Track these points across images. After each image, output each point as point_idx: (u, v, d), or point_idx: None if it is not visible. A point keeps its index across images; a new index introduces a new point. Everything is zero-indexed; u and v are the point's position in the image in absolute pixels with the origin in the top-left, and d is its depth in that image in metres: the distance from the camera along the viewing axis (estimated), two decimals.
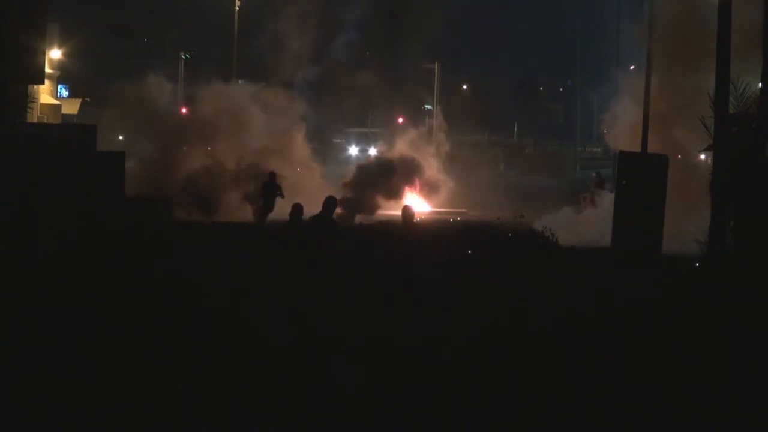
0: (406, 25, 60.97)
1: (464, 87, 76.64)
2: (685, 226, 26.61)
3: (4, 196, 26.05)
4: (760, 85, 23.59)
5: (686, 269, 23.92)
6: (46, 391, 11.68)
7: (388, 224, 34.83)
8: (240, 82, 44.09)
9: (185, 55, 56.28)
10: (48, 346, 13.79)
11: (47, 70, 39.76)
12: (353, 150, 70.23)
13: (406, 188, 39.95)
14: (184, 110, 44.09)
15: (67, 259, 21.76)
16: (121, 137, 42.73)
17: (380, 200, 39.46)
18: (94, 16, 55.87)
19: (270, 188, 33.10)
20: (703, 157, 28.38)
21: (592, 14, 66.54)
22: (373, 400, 11.82)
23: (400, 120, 47.14)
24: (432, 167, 41.54)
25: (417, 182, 40.16)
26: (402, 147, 41.33)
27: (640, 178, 27.36)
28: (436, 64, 58.88)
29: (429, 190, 40.37)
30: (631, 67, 43.81)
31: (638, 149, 31.43)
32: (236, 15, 55.43)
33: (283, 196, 31.83)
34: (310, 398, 11.77)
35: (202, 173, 36.45)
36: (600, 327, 16.64)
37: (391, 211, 38.83)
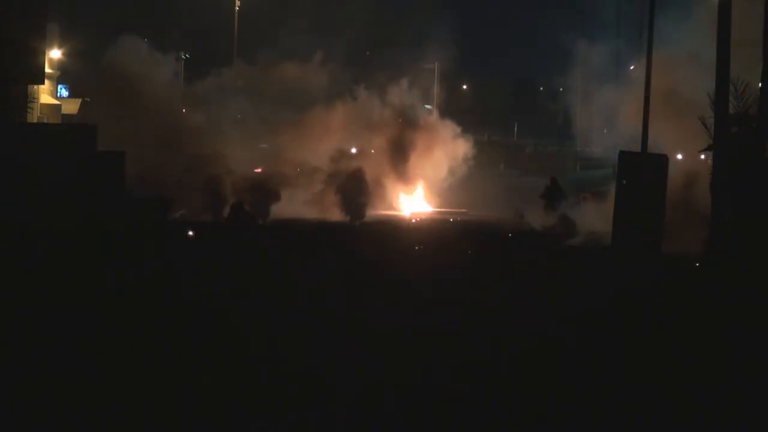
0: (406, 25, 61.01)
1: (464, 87, 76.63)
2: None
3: (4, 196, 26.10)
4: (760, 85, 23.62)
5: (686, 269, 23.94)
6: (46, 391, 11.68)
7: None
8: (240, 82, 43.89)
9: (185, 55, 56.29)
10: (48, 346, 13.79)
11: (47, 70, 39.70)
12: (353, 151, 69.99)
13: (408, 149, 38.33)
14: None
15: (67, 259, 21.77)
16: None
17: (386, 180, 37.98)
18: (94, 16, 55.83)
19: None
20: (702, 157, 28.37)
21: (592, 14, 66.53)
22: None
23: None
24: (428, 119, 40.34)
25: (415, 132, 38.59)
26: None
27: (640, 178, 27.38)
28: (436, 64, 58.89)
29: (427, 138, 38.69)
30: (631, 67, 43.83)
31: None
32: (236, 15, 55.48)
33: None
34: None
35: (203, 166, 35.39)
36: (600, 327, 16.66)
37: (390, 211, 38.82)
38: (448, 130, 39.86)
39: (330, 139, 38.51)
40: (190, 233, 28.10)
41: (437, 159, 39.26)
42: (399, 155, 38.42)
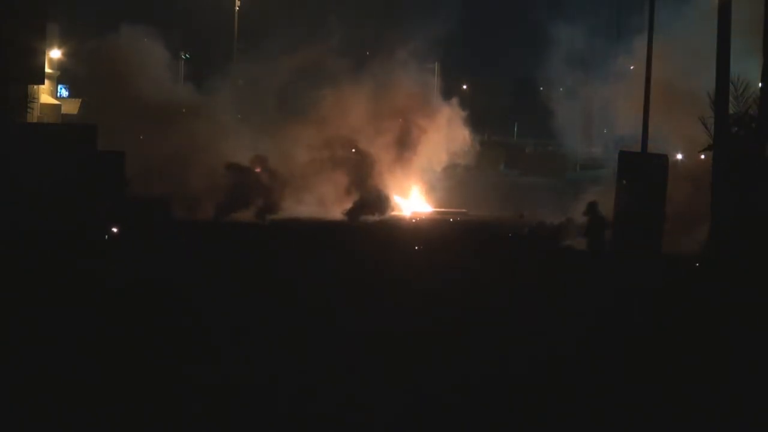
0: (406, 25, 60.93)
1: (464, 87, 76.62)
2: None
3: (4, 196, 26.08)
4: (760, 85, 23.61)
5: (686, 269, 23.93)
6: (46, 391, 11.68)
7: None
8: (240, 82, 43.82)
9: (185, 56, 56.29)
10: (48, 346, 13.79)
11: (47, 70, 39.66)
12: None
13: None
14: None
15: (67, 259, 21.76)
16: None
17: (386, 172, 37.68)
18: (94, 16, 55.85)
19: None
20: (702, 157, 28.36)
21: (593, 13, 66.59)
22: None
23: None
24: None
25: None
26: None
27: (640, 178, 27.37)
28: (436, 63, 58.82)
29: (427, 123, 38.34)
30: (631, 67, 43.79)
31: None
32: (236, 15, 55.47)
33: None
34: None
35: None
36: (600, 327, 16.66)
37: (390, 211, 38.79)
38: (455, 111, 39.68)
39: (335, 132, 38.15)
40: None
41: (443, 142, 38.93)
42: (407, 143, 38.10)
